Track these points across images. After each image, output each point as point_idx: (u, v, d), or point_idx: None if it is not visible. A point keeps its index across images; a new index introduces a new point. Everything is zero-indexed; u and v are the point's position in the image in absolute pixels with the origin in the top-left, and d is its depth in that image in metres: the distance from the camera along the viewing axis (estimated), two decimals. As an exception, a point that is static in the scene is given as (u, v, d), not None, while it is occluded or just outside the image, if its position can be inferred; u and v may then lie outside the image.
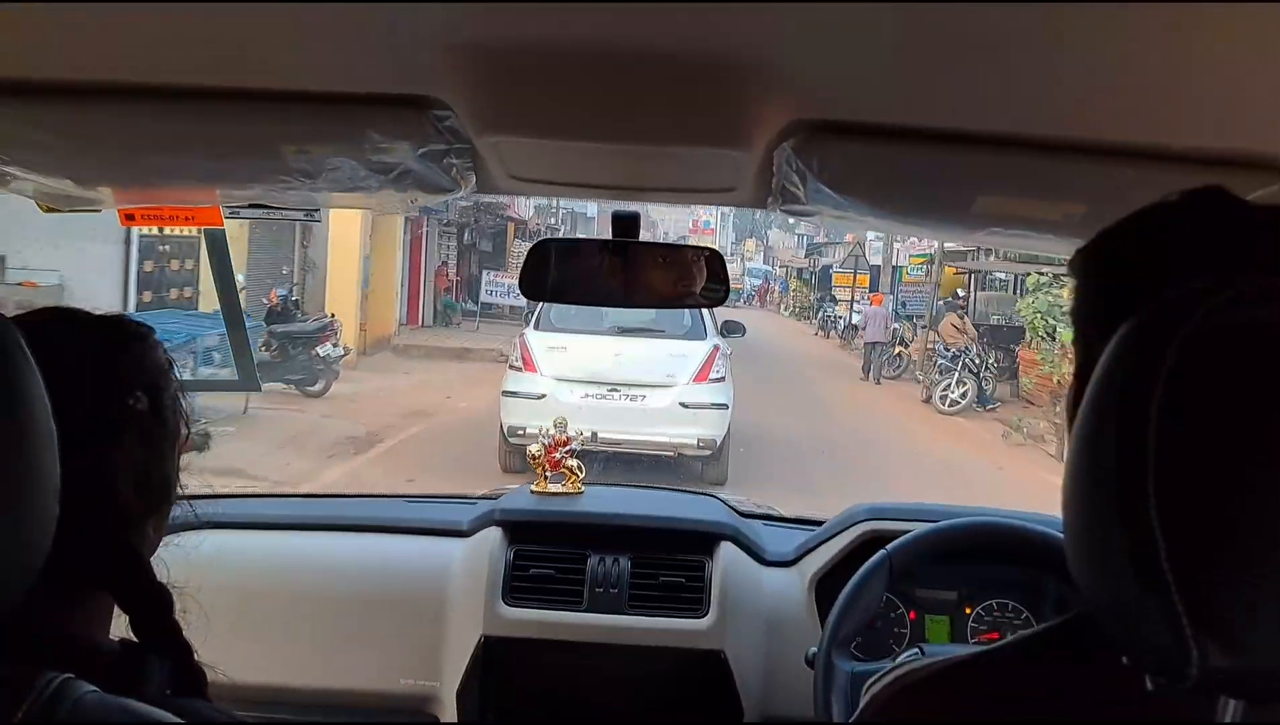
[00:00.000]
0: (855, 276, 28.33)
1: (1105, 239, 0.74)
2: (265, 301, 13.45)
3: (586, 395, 8.47)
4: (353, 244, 16.30)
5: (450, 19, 0.87)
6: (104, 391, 0.79)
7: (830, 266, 33.19)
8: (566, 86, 1.01)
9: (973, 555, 1.73)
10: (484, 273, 22.71)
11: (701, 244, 1.81)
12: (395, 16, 0.86)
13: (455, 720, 1.85)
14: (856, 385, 18.00)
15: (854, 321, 25.05)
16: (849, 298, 27.84)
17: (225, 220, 1.59)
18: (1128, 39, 0.81)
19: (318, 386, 12.24)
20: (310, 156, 1.17)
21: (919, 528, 1.67)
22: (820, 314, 30.36)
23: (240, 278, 12.50)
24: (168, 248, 13.06)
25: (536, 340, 8.89)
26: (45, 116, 1.10)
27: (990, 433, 13.42)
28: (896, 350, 19.27)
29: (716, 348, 8.94)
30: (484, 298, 21.78)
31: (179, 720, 0.74)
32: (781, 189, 1.20)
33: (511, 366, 8.99)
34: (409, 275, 20.82)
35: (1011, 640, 0.76)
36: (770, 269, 45.45)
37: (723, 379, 8.82)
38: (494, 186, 1.40)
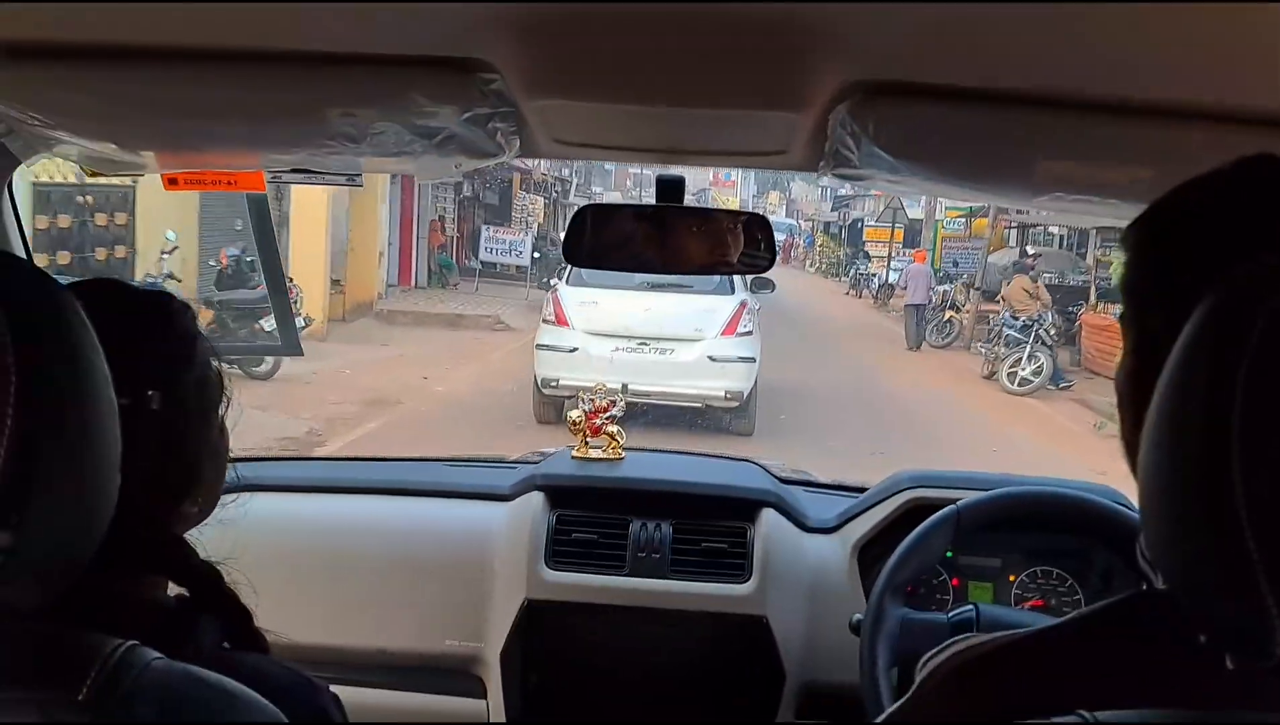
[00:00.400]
0: (893, 231, 25.85)
1: (1160, 210, 0.72)
2: (214, 264, 11.41)
3: (617, 348, 8.76)
4: (320, 195, 13.39)
5: None
6: (123, 369, 0.75)
7: (861, 220, 30.76)
8: (616, 48, 0.98)
9: (1035, 523, 1.72)
10: (483, 228, 20.50)
11: (737, 207, 1.79)
12: None
13: (499, 681, 1.87)
14: (901, 355, 15.78)
15: (890, 280, 22.61)
16: (884, 254, 25.49)
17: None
18: None
19: (263, 367, 9.99)
20: (355, 120, 1.16)
21: (977, 493, 1.65)
22: (852, 272, 27.59)
23: (170, 235, 11.01)
24: (91, 199, 10.80)
25: (569, 295, 9.15)
26: (89, 80, 1.10)
27: (1070, 418, 11.32)
28: (947, 315, 17.05)
29: (744, 303, 9.16)
30: (483, 256, 19.70)
31: (242, 687, 0.75)
32: (834, 152, 1.18)
33: (545, 320, 9.29)
34: (400, 231, 18.71)
35: (1069, 618, 0.75)
36: (794, 223, 42.02)
37: (750, 333, 9.06)
38: (538, 150, 1.38)
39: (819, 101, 1.08)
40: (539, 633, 1.88)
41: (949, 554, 1.90)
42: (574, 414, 2.13)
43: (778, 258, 1.65)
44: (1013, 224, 20.49)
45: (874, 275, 25.19)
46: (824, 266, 35.07)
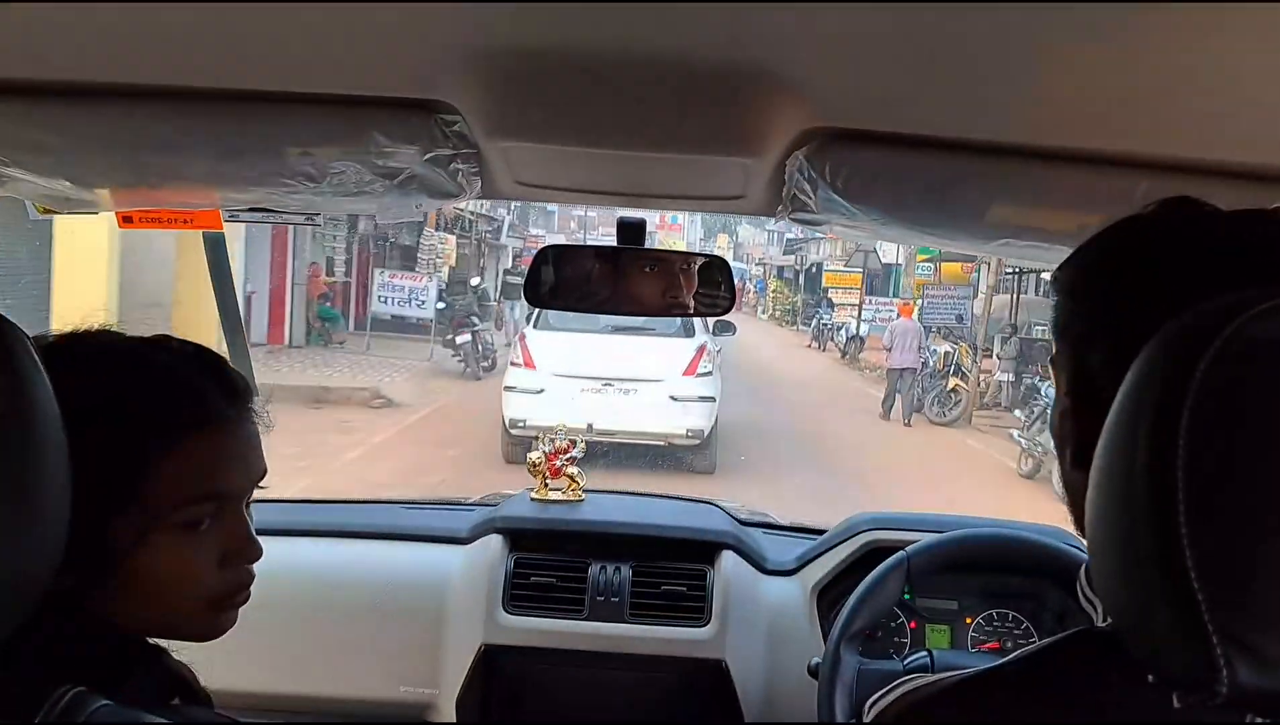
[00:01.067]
0: (864, 276, 23.82)
1: (1092, 252, 0.74)
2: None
3: (583, 390, 9.00)
4: (99, 227, 9.23)
5: (459, 22, 0.86)
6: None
7: (820, 265, 27.54)
8: (577, 92, 1.00)
9: (985, 566, 1.74)
10: (376, 272, 16.96)
11: (706, 251, 1.81)
12: (404, 19, 0.85)
13: None
14: (894, 434, 12.35)
15: (860, 332, 20.74)
16: (851, 302, 23.02)
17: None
18: (1146, 49, 0.80)
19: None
20: (314, 160, 1.16)
21: (929, 537, 1.67)
22: (814, 322, 24.66)
23: None
24: None
25: (536, 338, 9.45)
26: (46, 117, 1.09)
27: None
28: (952, 384, 13.44)
29: (703, 345, 9.48)
30: (376, 307, 16.19)
31: None
32: (792, 197, 1.20)
33: (512, 363, 9.58)
34: (272, 277, 15.11)
35: (1017, 655, 0.75)
36: (745, 268, 38.93)
37: (709, 374, 9.41)
38: (500, 192, 1.39)
39: (776, 147, 1.10)
40: (496, 678, 1.85)
41: (907, 597, 1.92)
42: (534, 456, 2.12)
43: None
44: (979, 265, 17.90)
45: (841, 326, 22.57)
46: (778, 313, 32.65)
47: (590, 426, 8.19)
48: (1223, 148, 1.02)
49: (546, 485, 2.11)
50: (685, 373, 9.22)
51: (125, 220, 1.53)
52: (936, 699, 0.75)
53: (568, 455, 2.11)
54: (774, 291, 34.56)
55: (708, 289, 1.57)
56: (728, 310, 1.60)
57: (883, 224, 1.26)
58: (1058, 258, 1.30)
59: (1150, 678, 0.59)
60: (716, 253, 1.81)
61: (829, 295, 24.64)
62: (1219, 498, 0.53)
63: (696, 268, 1.57)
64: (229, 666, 0.94)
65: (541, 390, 9.02)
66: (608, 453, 8.58)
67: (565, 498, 2.10)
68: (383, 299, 16.20)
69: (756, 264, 39.66)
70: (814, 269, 29.28)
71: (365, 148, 1.09)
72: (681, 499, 2.31)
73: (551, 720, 1.89)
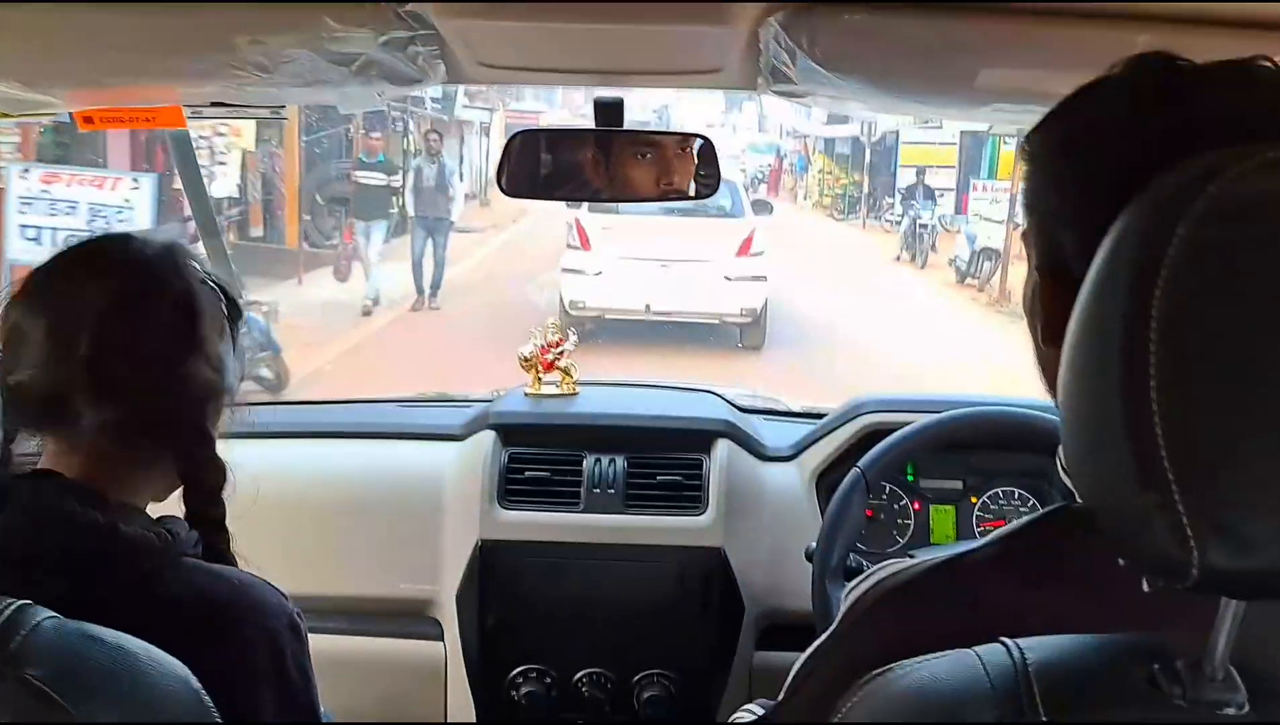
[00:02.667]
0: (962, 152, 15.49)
1: (1063, 118, 0.71)
2: None
3: (639, 271, 9.18)
4: None
5: None
6: None
7: (897, 134, 18.10)
8: None
9: (958, 445, 1.69)
10: (14, 173, 6.43)
11: (691, 130, 1.75)
12: None
13: (455, 623, 1.86)
14: None
15: (997, 244, 12.49)
16: (947, 187, 15.55)
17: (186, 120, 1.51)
18: None
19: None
20: (266, 49, 1.10)
21: (882, 442, 1.61)
22: (907, 223, 15.43)
23: None
24: None
25: (590, 221, 9.48)
26: None
27: None
28: None
29: (754, 228, 9.67)
30: (13, 251, 6.15)
31: (141, 643, 0.73)
32: (771, 69, 1.14)
33: (569, 245, 9.63)
34: None
35: (989, 539, 0.75)
36: (778, 143, 29.39)
37: (761, 253, 9.55)
38: (464, 75, 1.33)
39: (747, 14, 1.04)
40: (493, 573, 1.87)
41: (910, 478, 1.90)
42: (526, 350, 2.09)
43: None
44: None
45: (965, 228, 13.70)
46: (827, 201, 23.33)
47: (648, 306, 8.96)
48: None
49: (540, 380, 2.09)
50: (739, 253, 9.37)
51: (86, 121, 1.49)
52: (909, 584, 0.75)
53: (560, 349, 2.08)
54: (821, 172, 25.19)
55: (694, 169, 1.52)
56: (713, 192, 1.56)
57: (867, 94, 1.21)
58: None
59: (1121, 562, 0.57)
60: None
61: (924, 178, 15.75)
62: (1195, 371, 0.50)
63: (680, 148, 1.52)
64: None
65: (599, 272, 9.17)
66: (653, 329, 8.93)
67: (559, 392, 2.08)
68: (28, 233, 6.51)
69: (791, 136, 28.87)
70: (886, 143, 19.83)
71: (316, 33, 1.04)
72: (679, 388, 2.29)
73: (551, 611, 1.90)
